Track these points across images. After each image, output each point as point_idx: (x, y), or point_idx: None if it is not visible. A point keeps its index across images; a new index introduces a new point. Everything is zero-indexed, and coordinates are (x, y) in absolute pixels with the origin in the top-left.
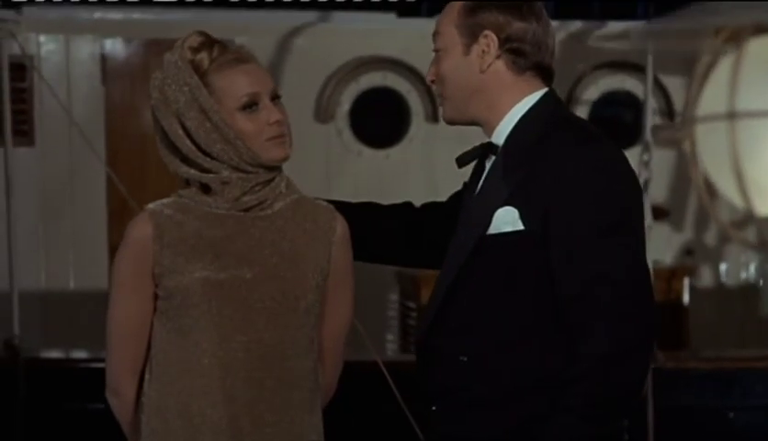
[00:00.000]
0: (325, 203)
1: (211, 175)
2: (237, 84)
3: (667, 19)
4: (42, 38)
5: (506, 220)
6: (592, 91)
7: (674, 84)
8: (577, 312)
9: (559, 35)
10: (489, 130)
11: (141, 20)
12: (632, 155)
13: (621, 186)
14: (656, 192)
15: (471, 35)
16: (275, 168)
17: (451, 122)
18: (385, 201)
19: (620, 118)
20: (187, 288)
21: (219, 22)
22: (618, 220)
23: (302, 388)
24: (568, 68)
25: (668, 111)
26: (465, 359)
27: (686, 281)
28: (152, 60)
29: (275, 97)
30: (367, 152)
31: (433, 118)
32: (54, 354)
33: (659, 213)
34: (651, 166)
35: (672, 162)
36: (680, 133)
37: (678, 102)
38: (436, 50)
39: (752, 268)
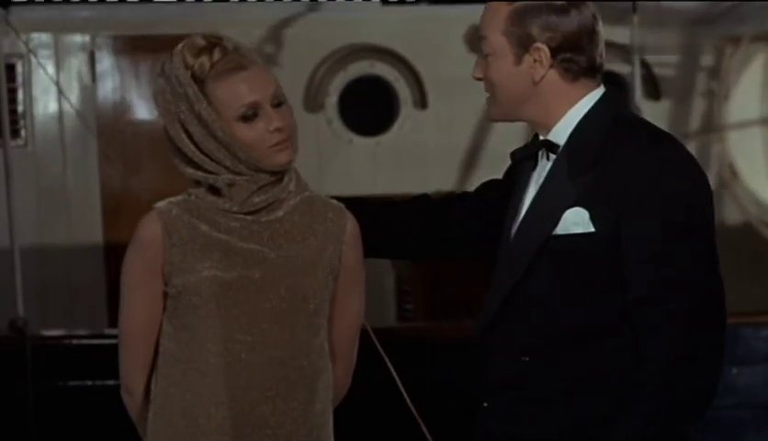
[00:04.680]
0: (336, 202)
1: (217, 177)
2: (235, 94)
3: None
4: (32, 36)
5: (576, 221)
6: None
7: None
8: (649, 315)
9: None
10: (543, 129)
11: (129, 17)
12: None
13: (693, 188)
14: None
15: (521, 46)
16: (280, 171)
17: (495, 120)
18: (379, 189)
19: None
20: (196, 287)
21: (207, 15)
22: (692, 223)
23: (309, 389)
24: None
25: (654, 92)
26: (527, 359)
27: None
28: (141, 56)
29: (279, 101)
30: (358, 140)
31: (421, 104)
32: (57, 332)
33: None
34: None
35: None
36: (714, 140)
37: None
38: (485, 54)
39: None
